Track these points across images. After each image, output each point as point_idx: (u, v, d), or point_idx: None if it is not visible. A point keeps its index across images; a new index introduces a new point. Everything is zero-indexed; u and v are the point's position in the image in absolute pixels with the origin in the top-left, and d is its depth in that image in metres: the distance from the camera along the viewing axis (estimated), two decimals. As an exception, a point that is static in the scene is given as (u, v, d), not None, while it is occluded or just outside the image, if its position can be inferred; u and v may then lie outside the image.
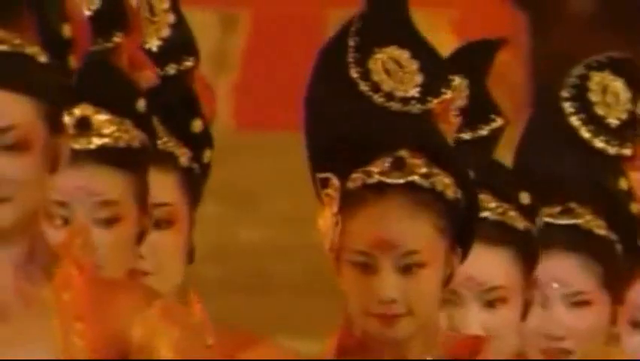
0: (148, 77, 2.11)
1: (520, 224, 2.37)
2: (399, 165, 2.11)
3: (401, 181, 2.10)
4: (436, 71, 2.16)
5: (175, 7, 2.25)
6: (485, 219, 2.33)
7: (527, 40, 7.44)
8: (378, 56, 2.14)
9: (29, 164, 1.68)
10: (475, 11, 7.75)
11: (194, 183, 2.23)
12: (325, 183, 2.13)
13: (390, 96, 2.12)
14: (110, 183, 2.02)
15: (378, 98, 2.12)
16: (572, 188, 2.60)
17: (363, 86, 2.12)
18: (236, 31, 7.26)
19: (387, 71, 2.14)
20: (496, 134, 2.45)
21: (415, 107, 2.13)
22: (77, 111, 1.99)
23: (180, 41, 2.24)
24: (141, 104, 2.06)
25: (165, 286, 2.07)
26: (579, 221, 2.58)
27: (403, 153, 2.11)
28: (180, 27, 2.25)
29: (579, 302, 2.59)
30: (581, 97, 2.62)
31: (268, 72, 6.85)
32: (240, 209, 6.81)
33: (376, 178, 2.10)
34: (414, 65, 2.15)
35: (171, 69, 2.22)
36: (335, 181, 2.11)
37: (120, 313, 1.78)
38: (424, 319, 2.11)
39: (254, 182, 6.87)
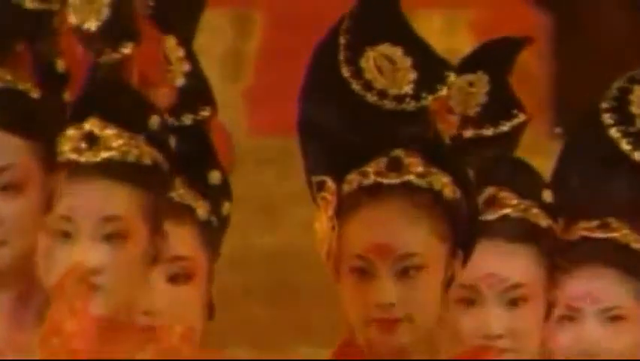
0: (163, 94, 2.07)
1: (543, 222, 2.32)
2: (395, 165, 2.06)
3: (397, 181, 2.05)
4: (430, 67, 2.10)
5: (190, 56, 2.20)
6: (507, 216, 2.29)
7: (551, 42, 7.36)
8: (370, 53, 2.09)
9: (24, 205, 1.66)
10: (495, 12, 7.67)
11: (212, 236, 2.17)
12: (321, 186, 2.08)
13: (383, 94, 2.07)
14: (116, 198, 1.96)
15: (371, 97, 2.07)
16: (611, 201, 2.55)
17: (356, 85, 2.07)
18: (249, 33, 7.22)
19: (379, 69, 2.09)
20: (517, 131, 2.40)
21: (410, 105, 2.08)
22: (86, 125, 1.95)
23: (196, 90, 2.20)
24: (154, 121, 2.00)
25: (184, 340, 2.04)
26: (616, 235, 2.52)
27: (399, 152, 2.06)
28: (196, 76, 2.20)
29: (613, 317, 2.53)
30: (621, 109, 2.57)
31: (283, 75, 6.78)
32: (259, 215, 6.78)
33: (372, 179, 2.06)
34: (407, 62, 2.09)
35: (187, 119, 2.18)
36: (331, 184, 2.07)
37: (113, 356, 1.75)
38: (425, 324, 2.05)
39: (271, 188, 6.85)
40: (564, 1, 7.80)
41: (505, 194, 2.28)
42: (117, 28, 1.99)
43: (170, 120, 2.09)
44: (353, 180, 2.06)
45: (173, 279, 2.11)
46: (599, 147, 2.56)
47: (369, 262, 2.04)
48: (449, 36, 7.61)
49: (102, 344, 1.77)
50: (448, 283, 2.09)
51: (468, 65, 2.38)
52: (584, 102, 2.71)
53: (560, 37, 7.44)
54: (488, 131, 2.35)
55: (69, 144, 1.90)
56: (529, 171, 2.39)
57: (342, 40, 2.09)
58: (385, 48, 2.10)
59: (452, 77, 2.12)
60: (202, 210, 2.15)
